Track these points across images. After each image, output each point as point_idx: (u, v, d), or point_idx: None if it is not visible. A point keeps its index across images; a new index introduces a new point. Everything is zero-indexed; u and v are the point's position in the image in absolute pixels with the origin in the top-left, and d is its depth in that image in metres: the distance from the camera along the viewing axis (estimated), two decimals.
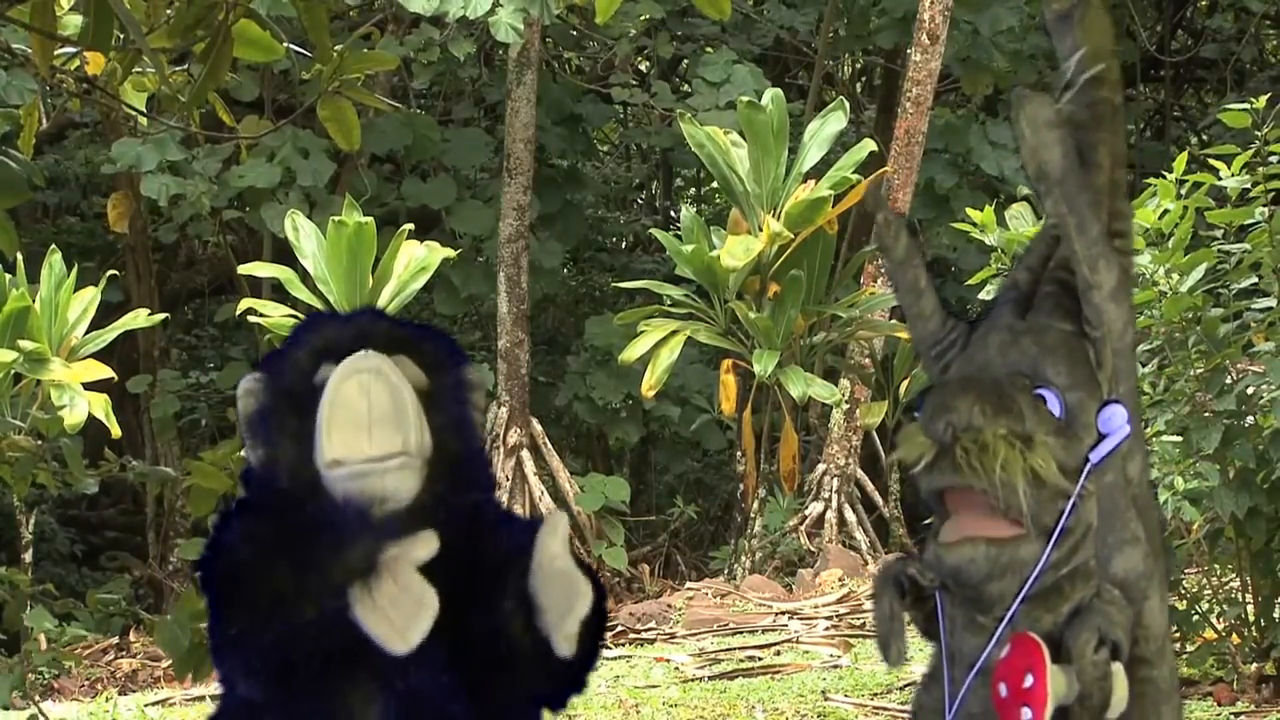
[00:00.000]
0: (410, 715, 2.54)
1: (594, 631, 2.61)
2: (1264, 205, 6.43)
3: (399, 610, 2.44)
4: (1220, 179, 6.48)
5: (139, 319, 11.89)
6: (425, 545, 2.48)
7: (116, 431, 10.25)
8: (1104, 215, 2.65)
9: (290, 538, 2.50)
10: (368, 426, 2.54)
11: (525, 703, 2.67)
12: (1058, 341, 2.64)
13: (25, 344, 10.76)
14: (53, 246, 11.73)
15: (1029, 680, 2.48)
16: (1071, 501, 2.56)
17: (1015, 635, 2.53)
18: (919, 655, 2.77)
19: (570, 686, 2.68)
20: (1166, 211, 6.48)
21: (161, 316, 12.70)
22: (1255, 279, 6.54)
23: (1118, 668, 2.56)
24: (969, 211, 7.43)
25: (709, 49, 15.99)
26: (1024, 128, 2.58)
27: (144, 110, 5.27)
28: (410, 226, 12.11)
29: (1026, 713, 2.48)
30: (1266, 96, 6.45)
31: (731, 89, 13.03)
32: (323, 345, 2.64)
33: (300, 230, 11.94)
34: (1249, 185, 6.44)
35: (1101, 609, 2.56)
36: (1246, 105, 6.49)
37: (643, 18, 14.47)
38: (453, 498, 2.62)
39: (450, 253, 12.15)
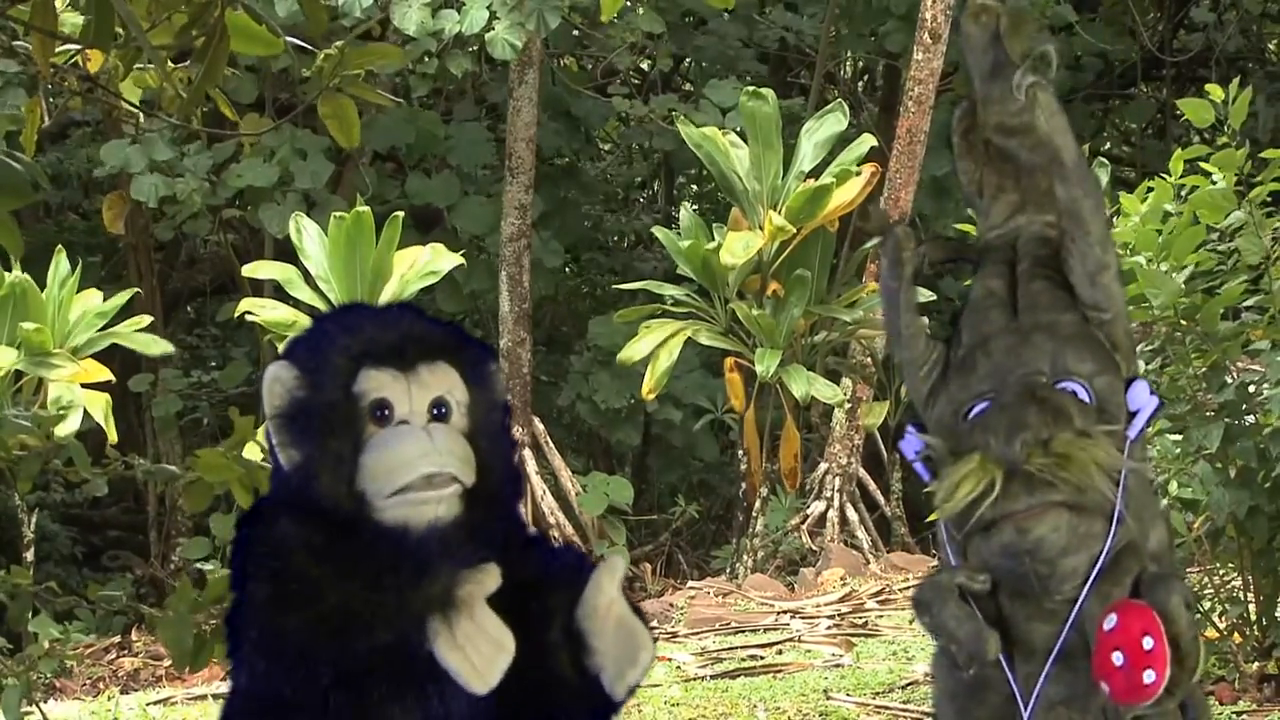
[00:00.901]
0: None
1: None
2: (1251, 205, 6.41)
3: (478, 650, 2.41)
4: (1214, 181, 6.47)
5: (139, 335, 11.80)
6: (492, 577, 2.44)
7: (114, 436, 10.24)
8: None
9: (357, 554, 2.45)
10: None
11: None
12: (1073, 332, 2.66)
13: (27, 326, 10.76)
14: (58, 246, 11.72)
15: (1149, 642, 2.50)
16: (1124, 479, 2.59)
17: (1121, 602, 2.55)
18: (921, 654, 2.76)
19: (605, 715, 2.65)
20: (1168, 215, 6.47)
21: (167, 347, 12.65)
22: (1250, 277, 6.53)
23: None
24: (972, 212, 7.41)
25: (716, 65, 16.01)
26: (1039, 116, 2.60)
27: (144, 108, 5.26)
28: (401, 214, 12.05)
29: (1149, 675, 2.50)
30: (1235, 87, 6.39)
31: (738, 118, 13.03)
32: (360, 349, 2.55)
33: (304, 232, 11.94)
34: (1239, 188, 6.43)
35: (1175, 574, 2.59)
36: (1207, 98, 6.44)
37: (644, 29, 14.45)
38: (495, 519, 2.58)
39: (458, 258, 12.13)
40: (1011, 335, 2.68)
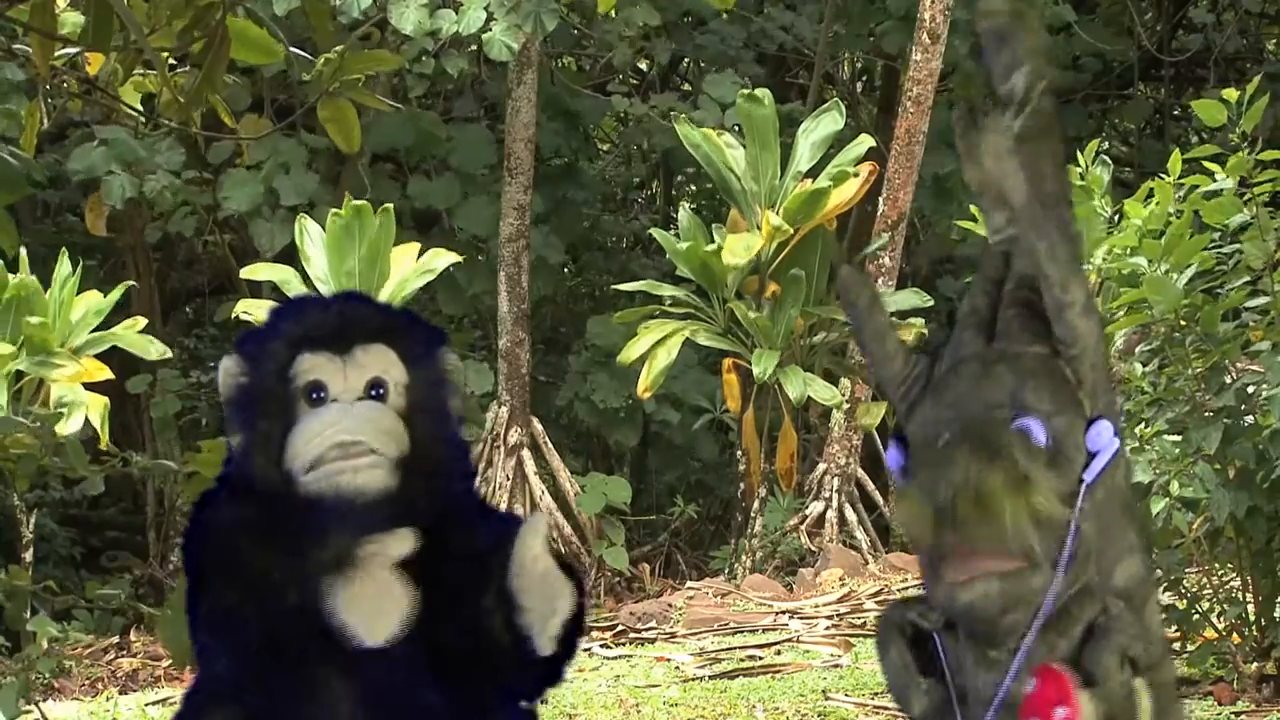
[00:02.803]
0: (383, 703, 2.58)
1: (573, 628, 2.66)
2: (1256, 205, 6.42)
3: (370, 605, 2.53)
4: (1215, 180, 6.48)
5: (137, 336, 11.79)
6: (401, 543, 2.55)
7: (105, 442, 10.22)
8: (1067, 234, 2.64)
9: (276, 524, 2.56)
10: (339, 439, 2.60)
11: (501, 694, 2.71)
12: (1034, 367, 2.61)
13: (31, 320, 10.76)
14: (62, 249, 11.72)
15: (1061, 712, 2.47)
16: (1073, 527, 2.54)
17: (1041, 667, 2.51)
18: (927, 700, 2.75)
19: (547, 680, 2.72)
20: (1170, 216, 6.47)
21: (164, 351, 12.65)
22: (1251, 278, 6.53)
23: (1139, 682, 2.55)
24: (974, 210, 7.43)
25: (715, 65, 15.99)
26: (985, 159, 2.57)
27: (144, 111, 5.27)
28: (390, 205, 12.03)
29: None
30: (1253, 87, 6.41)
31: (736, 114, 13.04)
32: (301, 333, 2.65)
33: (307, 233, 11.95)
34: (1242, 189, 6.44)
35: (1118, 625, 2.56)
36: (1219, 99, 6.46)
37: (641, 24, 14.44)
38: (429, 492, 2.64)
39: (456, 257, 12.14)
40: (977, 363, 2.65)
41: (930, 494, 2.51)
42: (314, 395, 2.62)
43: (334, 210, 11.90)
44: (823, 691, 7.66)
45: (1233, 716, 6.54)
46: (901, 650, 2.64)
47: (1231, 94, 6.42)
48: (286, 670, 2.56)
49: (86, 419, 10.71)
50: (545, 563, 2.61)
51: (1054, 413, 2.58)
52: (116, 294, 11.56)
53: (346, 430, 2.57)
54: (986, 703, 2.57)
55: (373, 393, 2.64)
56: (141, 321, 11.96)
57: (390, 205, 11.97)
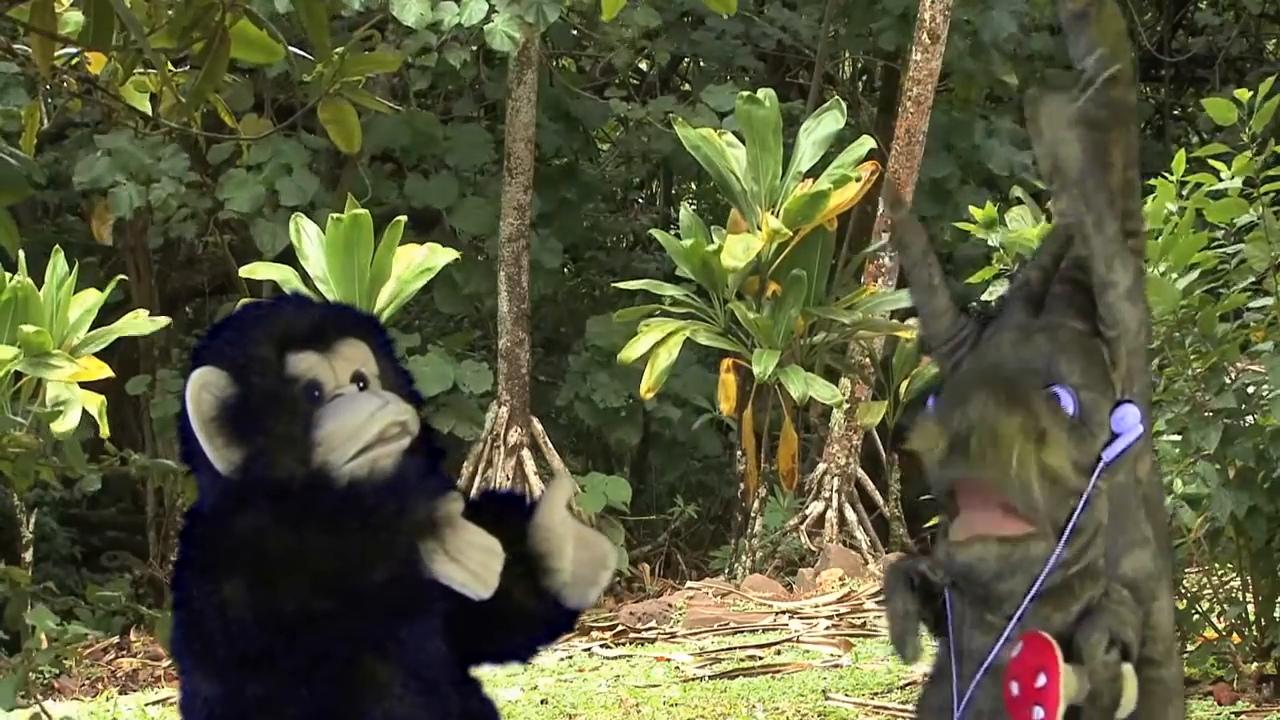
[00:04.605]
0: (416, 679, 2.61)
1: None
2: (1262, 204, 6.41)
3: (472, 558, 2.53)
4: (1220, 179, 6.47)
5: (139, 320, 11.82)
6: (459, 501, 2.58)
7: (105, 431, 10.23)
8: (1118, 214, 2.65)
9: (336, 514, 2.54)
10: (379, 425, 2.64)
11: (503, 652, 2.82)
12: (1071, 340, 2.63)
13: (27, 328, 10.75)
14: (56, 247, 11.71)
15: (1042, 679, 2.48)
16: (1084, 499, 2.55)
17: (1028, 634, 2.53)
18: (923, 653, 2.77)
19: (565, 630, 2.82)
20: (1171, 214, 6.47)
21: (164, 321, 12.66)
22: (1253, 279, 6.53)
23: (1127, 668, 2.56)
24: (972, 210, 7.43)
25: (714, 65, 15.99)
26: (1042, 126, 2.57)
27: (145, 111, 5.26)
28: (403, 219, 12.06)
29: (1039, 711, 2.48)
30: (1267, 87, 6.40)
31: (735, 122, 13.04)
32: (283, 335, 2.67)
33: (304, 233, 11.95)
34: (1247, 189, 6.43)
35: (1113, 609, 2.56)
36: (1231, 98, 6.46)
37: (642, 25, 14.44)
38: (431, 464, 2.73)
39: (454, 254, 12.14)
40: (1019, 331, 2.67)
41: (948, 423, 2.53)
42: (312, 394, 2.64)
43: (334, 215, 11.89)
44: (823, 691, 7.66)
45: (1233, 716, 6.55)
46: (906, 598, 2.66)
47: (1244, 94, 6.41)
48: (342, 663, 2.55)
49: (85, 414, 10.70)
50: (574, 523, 2.71)
51: (1083, 386, 2.59)
52: (112, 286, 11.57)
53: (394, 413, 2.62)
54: (978, 664, 2.59)
55: (358, 385, 2.69)
56: (144, 313, 11.96)
57: (403, 220, 11.97)
